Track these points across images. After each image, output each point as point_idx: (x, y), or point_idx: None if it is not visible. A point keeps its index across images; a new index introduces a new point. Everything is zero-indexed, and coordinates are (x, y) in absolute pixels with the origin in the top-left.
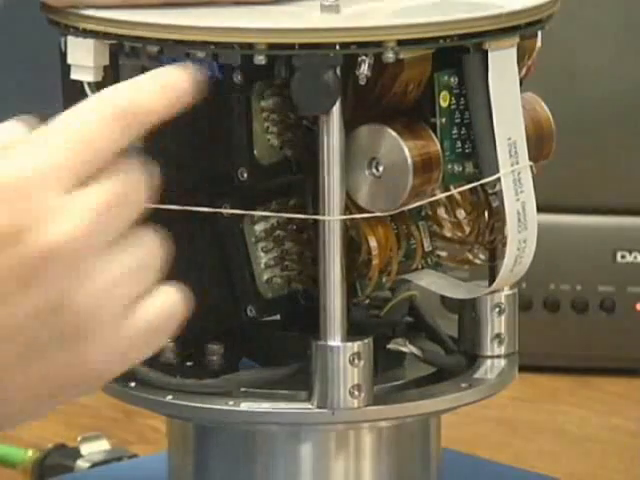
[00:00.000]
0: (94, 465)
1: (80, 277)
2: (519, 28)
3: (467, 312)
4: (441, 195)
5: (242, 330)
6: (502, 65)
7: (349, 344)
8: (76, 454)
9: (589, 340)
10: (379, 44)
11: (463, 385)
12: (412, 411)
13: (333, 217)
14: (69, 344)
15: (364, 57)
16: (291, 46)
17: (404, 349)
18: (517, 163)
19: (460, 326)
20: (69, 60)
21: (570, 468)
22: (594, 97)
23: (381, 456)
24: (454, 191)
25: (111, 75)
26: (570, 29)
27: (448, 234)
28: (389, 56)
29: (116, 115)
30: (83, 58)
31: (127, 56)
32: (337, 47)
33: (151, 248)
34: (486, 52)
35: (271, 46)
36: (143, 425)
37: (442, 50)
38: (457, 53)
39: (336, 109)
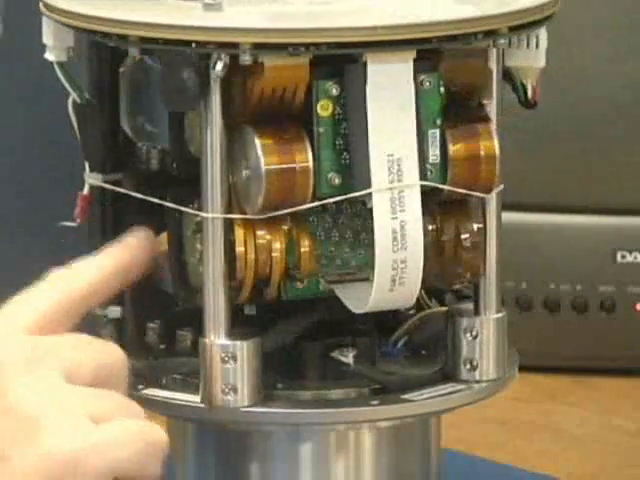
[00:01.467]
0: None
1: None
2: (413, 42)
3: (449, 332)
4: (312, 204)
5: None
6: (386, 79)
7: (226, 343)
8: None
9: (589, 340)
10: (235, 45)
11: (463, 385)
12: (412, 411)
13: (213, 214)
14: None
15: (220, 57)
16: (156, 41)
17: (344, 359)
18: (399, 181)
19: (443, 344)
20: (44, 39)
21: (570, 468)
22: (594, 97)
23: (381, 456)
24: (322, 202)
25: (87, 57)
26: (570, 29)
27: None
28: (245, 59)
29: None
30: (48, 38)
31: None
32: (193, 45)
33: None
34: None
35: (142, 39)
36: None
37: (324, 58)
38: (342, 62)
39: (215, 106)
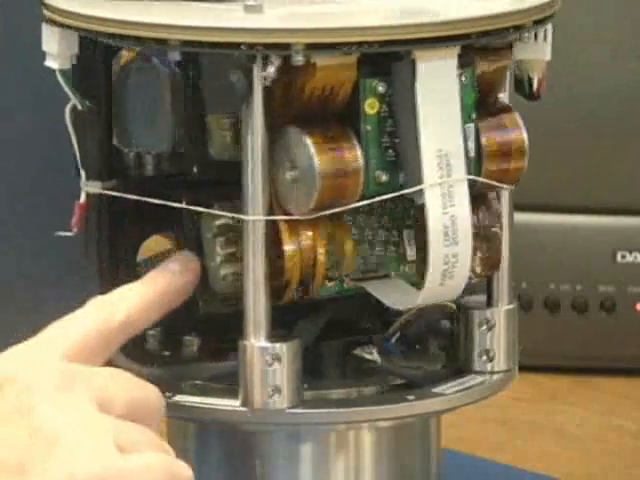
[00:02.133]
0: None
1: None
2: (456, 39)
3: (461, 325)
4: (362, 203)
5: (220, 323)
6: (434, 76)
7: (270, 345)
8: None
9: (589, 340)
10: (286, 46)
11: (463, 385)
12: (412, 411)
13: (255, 217)
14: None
15: (272, 59)
16: (201, 44)
17: (368, 357)
18: (449, 176)
19: (454, 339)
20: (43, 47)
21: (570, 468)
22: (594, 97)
23: (381, 456)
24: (372, 200)
25: (89, 64)
26: (570, 29)
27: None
28: (298, 59)
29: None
30: (51, 46)
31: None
32: (243, 47)
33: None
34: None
35: (183, 43)
36: None
37: (371, 57)
38: (389, 60)
39: (257, 108)
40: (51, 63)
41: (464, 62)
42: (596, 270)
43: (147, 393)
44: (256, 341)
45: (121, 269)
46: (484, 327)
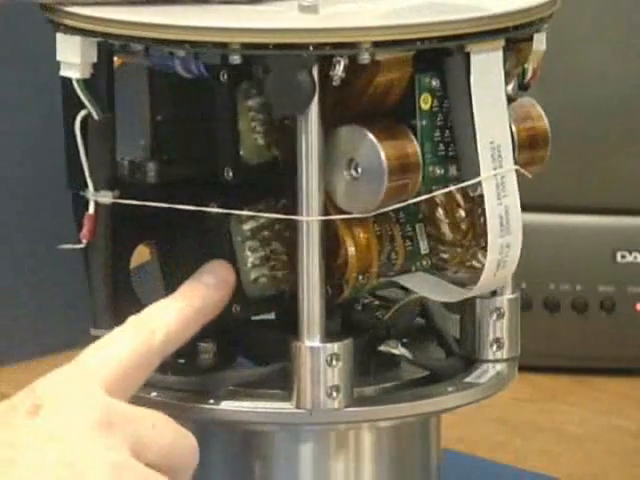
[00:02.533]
0: None
1: None
2: (504, 31)
3: (468, 315)
4: (420, 198)
5: (236, 329)
6: (485, 68)
7: (328, 345)
8: None
9: (589, 340)
10: (354, 45)
11: (463, 385)
12: (411, 411)
13: (311, 217)
14: None
15: (339, 58)
16: (265, 46)
17: (395, 351)
18: (500, 167)
19: (461, 329)
20: (58, 57)
21: (570, 468)
22: (594, 97)
23: (381, 456)
24: (433, 194)
25: (104, 72)
26: (570, 29)
27: (446, 236)
28: (364, 57)
29: None
30: (70, 55)
31: (118, 52)
32: (311, 48)
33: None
34: (468, 55)
35: (245, 46)
36: None
37: (425, 52)
38: (440, 55)
39: (314, 109)
40: (69, 73)
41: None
42: (596, 270)
43: (185, 445)
44: (310, 342)
45: (121, 280)
46: (494, 316)
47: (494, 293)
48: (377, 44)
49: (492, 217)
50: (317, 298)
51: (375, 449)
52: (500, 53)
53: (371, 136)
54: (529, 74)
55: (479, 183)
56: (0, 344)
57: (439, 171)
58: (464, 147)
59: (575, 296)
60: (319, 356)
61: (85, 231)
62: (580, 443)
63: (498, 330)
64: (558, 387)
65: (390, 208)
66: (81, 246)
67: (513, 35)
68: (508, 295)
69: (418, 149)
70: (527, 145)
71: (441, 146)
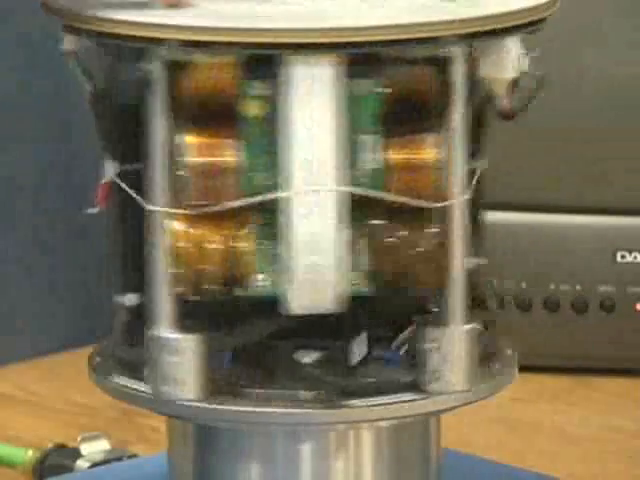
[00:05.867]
0: (94, 465)
1: None
2: (336, 47)
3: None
4: (234, 203)
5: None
6: (312, 82)
7: (173, 336)
8: (76, 454)
9: (589, 340)
10: (163, 42)
11: (419, 396)
12: (411, 411)
13: (153, 207)
14: None
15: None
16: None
17: (305, 360)
18: (315, 185)
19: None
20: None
21: (570, 468)
22: (594, 96)
23: (381, 456)
24: (247, 201)
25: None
26: (570, 29)
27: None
28: (175, 56)
29: None
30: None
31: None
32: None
33: None
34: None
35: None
36: (143, 425)
37: (256, 57)
38: (271, 63)
39: (161, 108)
40: (64, 43)
41: (362, 72)
42: (596, 270)
43: None
44: (159, 331)
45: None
46: (433, 346)
47: (442, 323)
48: (187, 43)
49: (297, 234)
50: (164, 288)
51: (375, 449)
52: (331, 69)
53: (183, 136)
54: (503, 102)
55: (289, 197)
56: (0, 344)
57: (262, 180)
58: (280, 159)
59: (575, 296)
60: (164, 347)
61: (99, 198)
62: (580, 443)
63: (434, 362)
64: (558, 387)
65: (205, 210)
66: (94, 211)
67: (349, 51)
68: (459, 326)
69: (236, 154)
70: (403, 175)
71: (268, 155)
